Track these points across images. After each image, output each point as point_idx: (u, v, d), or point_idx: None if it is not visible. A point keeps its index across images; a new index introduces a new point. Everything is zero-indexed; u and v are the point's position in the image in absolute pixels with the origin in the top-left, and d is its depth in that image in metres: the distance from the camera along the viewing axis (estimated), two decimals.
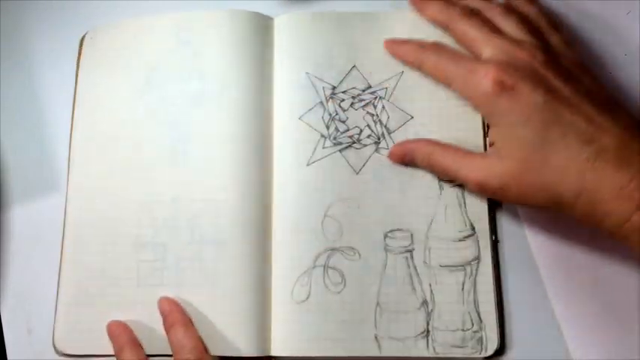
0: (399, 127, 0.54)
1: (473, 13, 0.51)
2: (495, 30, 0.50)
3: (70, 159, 0.57)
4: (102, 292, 0.53)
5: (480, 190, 0.48)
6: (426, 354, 0.50)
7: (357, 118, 0.54)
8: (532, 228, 0.52)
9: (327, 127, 0.54)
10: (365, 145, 0.54)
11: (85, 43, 0.59)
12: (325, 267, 0.51)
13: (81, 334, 0.53)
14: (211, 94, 0.55)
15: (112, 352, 0.51)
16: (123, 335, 0.51)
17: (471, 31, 0.50)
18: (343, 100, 0.55)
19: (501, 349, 0.50)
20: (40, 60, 0.61)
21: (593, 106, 0.45)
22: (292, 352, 0.51)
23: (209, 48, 0.56)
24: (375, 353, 0.50)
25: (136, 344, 0.51)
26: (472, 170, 0.48)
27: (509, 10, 0.51)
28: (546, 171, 0.45)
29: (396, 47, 0.55)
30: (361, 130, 0.54)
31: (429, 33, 0.54)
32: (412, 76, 0.55)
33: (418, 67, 0.53)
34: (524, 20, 0.50)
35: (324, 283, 0.51)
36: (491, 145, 0.49)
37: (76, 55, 0.59)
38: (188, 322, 0.51)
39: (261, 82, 0.55)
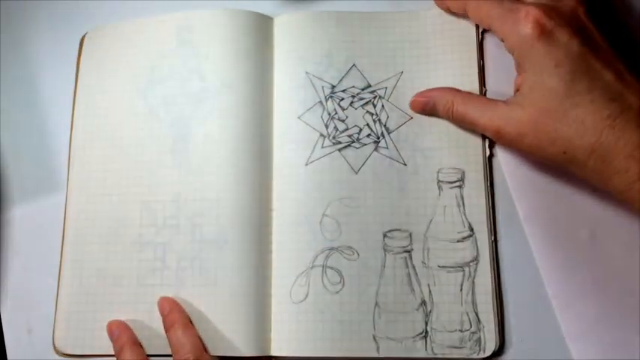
0: (399, 126, 0.54)
1: None
2: None
3: (70, 159, 0.57)
4: (102, 292, 0.53)
5: (497, 137, 0.49)
6: (424, 355, 0.49)
7: (356, 117, 0.54)
8: (532, 228, 0.52)
9: (327, 127, 0.54)
10: (364, 145, 0.54)
11: (85, 43, 0.59)
12: (324, 267, 0.51)
13: (81, 334, 0.53)
14: (211, 93, 0.55)
15: (112, 352, 0.51)
16: (123, 335, 0.51)
17: None
18: (343, 99, 0.55)
19: (500, 350, 0.49)
20: (40, 60, 0.61)
21: (626, 65, 0.45)
22: (290, 352, 0.50)
23: (209, 48, 0.56)
24: (373, 354, 0.50)
25: (136, 344, 0.51)
26: (492, 117, 0.48)
27: None
28: (565, 123, 0.45)
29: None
30: (360, 130, 0.54)
31: (430, 30, 0.55)
32: (412, 77, 0.54)
33: (463, 12, 0.53)
34: None
35: (323, 283, 0.51)
36: (516, 91, 0.49)
37: (76, 55, 0.59)
38: (187, 322, 0.51)
39: (261, 82, 0.55)
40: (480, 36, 0.54)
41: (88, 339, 0.53)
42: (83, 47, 0.59)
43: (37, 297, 0.55)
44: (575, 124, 0.44)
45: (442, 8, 0.55)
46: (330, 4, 0.58)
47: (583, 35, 0.45)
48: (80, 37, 0.60)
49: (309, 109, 0.54)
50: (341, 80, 0.55)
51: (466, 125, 0.52)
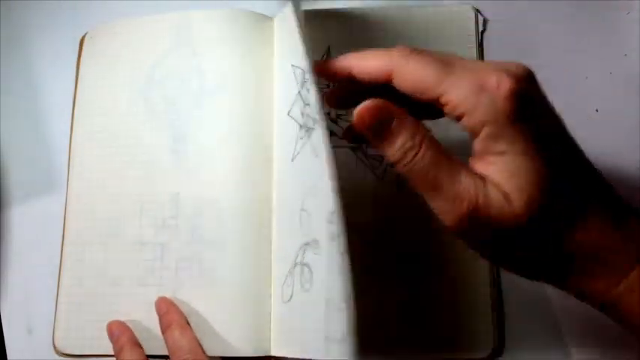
0: None
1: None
2: None
3: (70, 159, 0.57)
4: (102, 292, 0.53)
5: (470, 215, 0.36)
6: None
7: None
8: None
9: None
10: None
11: (85, 43, 0.59)
12: (301, 264, 0.50)
13: (81, 334, 0.53)
14: (211, 93, 0.55)
15: (112, 352, 0.51)
16: (123, 335, 0.51)
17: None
18: None
19: (499, 350, 0.49)
20: (40, 60, 0.61)
21: None
22: (289, 353, 0.50)
23: (209, 47, 0.56)
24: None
25: (136, 344, 0.51)
26: (468, 187, 0.36)
27: None
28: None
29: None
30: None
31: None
32: None
33: (381, 78, 0.41)
34: None
35: (300, 281, 0.50)
36: (482, 178, 0.36)
37: (76, 55, 0.59)
38: (184, 323, 0.50)
39: (261, 82, 0.55)
40: (480, 36, 0.54)
41: (88, 339, 0.53)
42: (83, 47, 0.59)
43: (37, 297, 0.55)
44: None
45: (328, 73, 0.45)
46: (329, 4, 0.58)
47: (543, 111, 0.37)
48: (80, 37, 0.60)
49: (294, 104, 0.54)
50: None
51: (418, 187, 0.37)
